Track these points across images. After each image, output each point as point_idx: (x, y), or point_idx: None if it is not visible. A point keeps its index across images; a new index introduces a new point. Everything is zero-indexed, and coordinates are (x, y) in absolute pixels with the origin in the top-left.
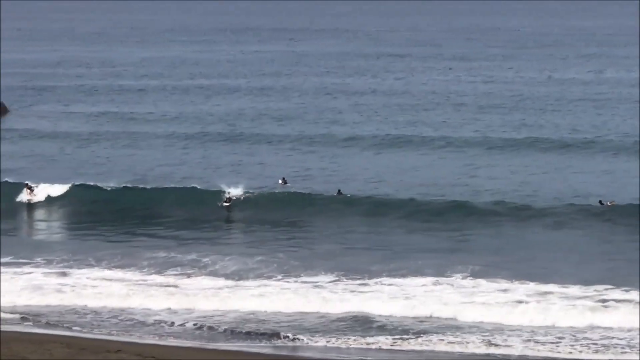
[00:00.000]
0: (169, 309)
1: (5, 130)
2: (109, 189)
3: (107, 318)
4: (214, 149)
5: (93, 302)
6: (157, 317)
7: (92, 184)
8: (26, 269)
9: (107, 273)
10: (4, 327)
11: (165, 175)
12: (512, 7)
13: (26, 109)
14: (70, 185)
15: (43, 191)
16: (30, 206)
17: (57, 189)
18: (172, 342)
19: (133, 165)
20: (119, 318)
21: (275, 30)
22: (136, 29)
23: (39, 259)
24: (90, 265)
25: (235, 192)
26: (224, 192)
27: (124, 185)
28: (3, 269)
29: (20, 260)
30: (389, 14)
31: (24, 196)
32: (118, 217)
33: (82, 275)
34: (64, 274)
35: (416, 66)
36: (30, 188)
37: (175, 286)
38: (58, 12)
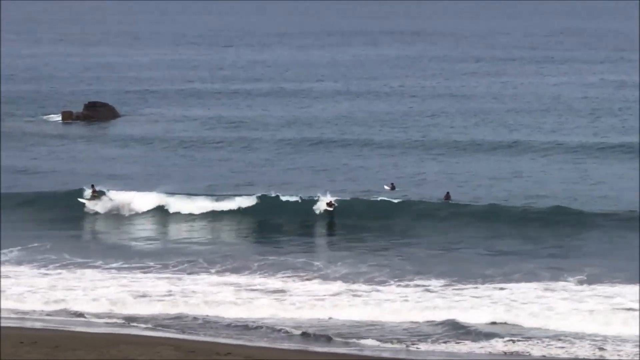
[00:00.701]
0: (279, 312)
1: (116, 135)
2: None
3: (217, 321)
4: (324, 153)
5: (204, 306)
6: (266, 321)
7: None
8: (138, 274)
9: (216, 278)
10: (112, 330)
11: (271, 181)
12: (612, 7)
13: (137, 113)
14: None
15: (142, 200)
16: (117, 216)
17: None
18: (281, 345)
19: (243, 170)
20: (228, 322)
21: (383, 33)
22: (243, 31)
23: (151, 264)
24: (204, 270)
25: (337, 197)
26: (324, 197)
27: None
28: (115, 274)
29: (133, 265)
30: (499, 15)
31: (87, 194)
32: (227, 221)
33: (193, 280)
34: (176, 279)
35: (525, 70)
36: (95, 191)
37: (285, 290)
38: (164, 14)
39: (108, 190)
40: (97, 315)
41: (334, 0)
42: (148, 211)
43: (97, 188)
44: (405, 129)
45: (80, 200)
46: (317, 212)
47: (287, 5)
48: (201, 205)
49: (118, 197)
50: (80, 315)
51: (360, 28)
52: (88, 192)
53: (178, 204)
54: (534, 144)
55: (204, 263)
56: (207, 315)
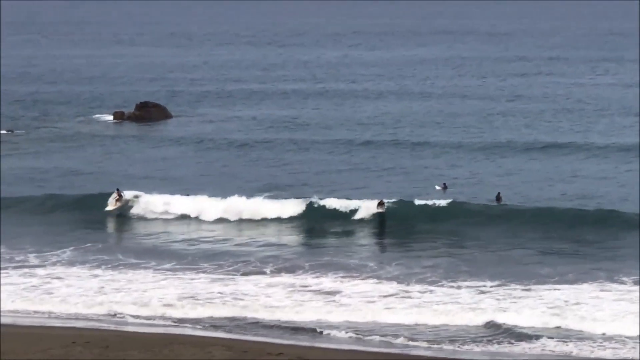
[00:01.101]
0: (331, 313)
1: (166, 135)
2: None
3: (269, 322)
4: (376, 153)
5: (256, 307)
6: (319, 322)
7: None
8: (191, 275)
9: (269, 279)
10: (164, 330)
11: (322, 182)
12: None
13: (189, 113)
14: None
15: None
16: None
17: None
18: (332, 345)
19: (295, 171)
20: (281, 322)
21: (435, 33)
22: (296, 31)
23: (204, 265)
24: (256, 271)
25: (389, 198)
26: (376, 199)
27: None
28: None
29: (186, 266)
30: (548, 15)
31: (111, 200)
32: (278, 223)
33: (246, 281)
34: (229, 280)
35: (578, 70)
36: (120, 194)
37: (338, 291)
38: (217, 14)
39: (136, 196)
40: (150, 317)
41: (387, 1)
42: (185, 215)
43: (123, 192)
44: (456, 130)
45: (107, 204)
46: (369, 213)
47: (340, 5)
48: (252, 207)
49: (151, 199)
50: (132, 316)
51: (412, 28)
52: (113, 197)
53: (225, 206)
54: (588, 145)
55: (257, 263)
56: (260, 316)
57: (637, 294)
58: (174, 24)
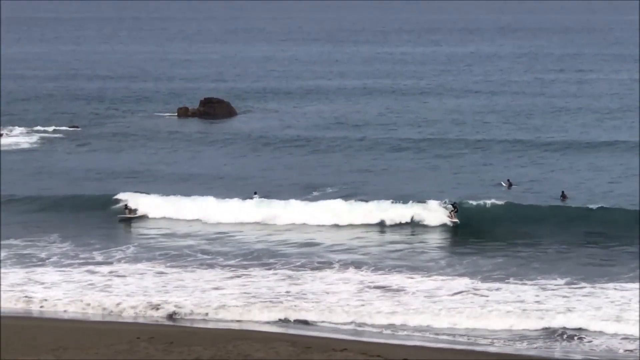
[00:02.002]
0: (398, 310)
1: (229, 132)
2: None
3: (334, 318)
4: (445, 151)
5: (322, 303)
6: (384, 318)
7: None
8: (257, 271)
9: (336, 275)
10: (228, 326)
11: (390, 182)
12: None
13: (253, 110)
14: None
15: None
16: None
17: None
18: (397, 341)
19: (359, 170)
20: (347, 318)
21: (502, 29)
22: (361, 28)
23: (271, 260)
24: (323, 268)
25: (458, 197)
26: (446, 201)
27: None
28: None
29: (256, 263)
30: (610, 10)
31: (124, 216)
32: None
33: (313, 278)
34: (294, 277)
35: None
36: (128, 209)
37: (404, 289)
38: (283, 11)
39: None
40: (215, 313)
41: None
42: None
43: (132, 206)
44: (523, 127)
45: (119, 216)
46: (442, 213)
47: (410, 4)
48: (323, 208)
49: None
50: (200, 313)
51: (480, 25)
52: (124, 211)
53: (288, 208)
54: None
55: (322, 260)
56: (325, 312)
57: None
58: (238, 20)
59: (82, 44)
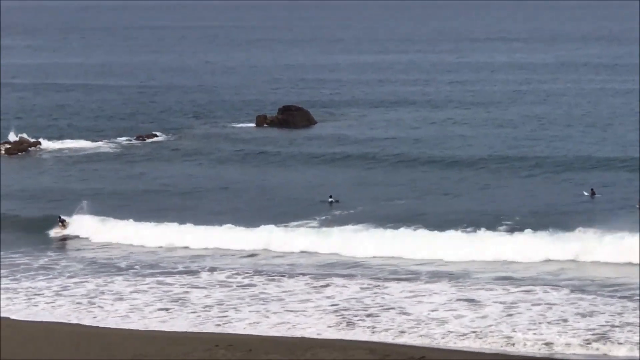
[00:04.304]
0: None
1: (306, 142)
2: None
3: (409, 320)
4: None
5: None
6: (465, 324)
7: None
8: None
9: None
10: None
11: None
12: None
13: (333, 118)
14: None
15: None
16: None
17: None
18: (478, 348)
19: (445, 190)
20: (428, 321)
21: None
22: (442, 34)
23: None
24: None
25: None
26: None
27: None
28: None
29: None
30: None
31: (56, 229)
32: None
33: (388, 288)
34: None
35: None
36: (62, 221)
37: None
38: (365, 18)
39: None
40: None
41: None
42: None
43: (65, 218)
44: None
45: (49, 232)
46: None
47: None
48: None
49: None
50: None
51: (555, 33)
52: (57, 226)
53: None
54: None
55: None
56: (402, 316)
57: None
58: (321, 28)
59: (152, 53)
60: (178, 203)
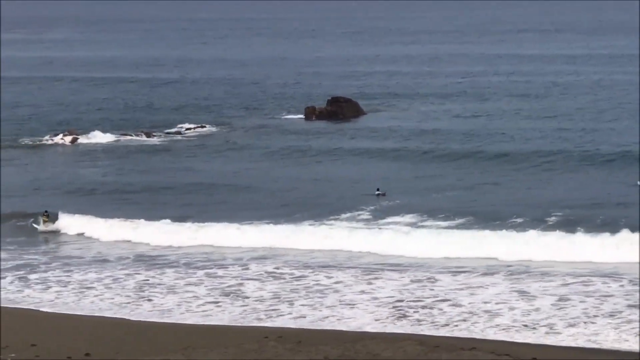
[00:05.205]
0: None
1: (356, 135)
2: None
3: (458, 314)
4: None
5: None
6: (512, 316)
7: None
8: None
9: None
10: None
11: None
12: None
13: (382, 110)
14: None
15: None
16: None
17: None
18: (527, 340)
19: (487, 189)
20: (471, 311)
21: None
22: (491, 26)
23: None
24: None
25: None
26: None
27: None
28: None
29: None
30: None
31: (40, 226)
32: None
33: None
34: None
35: None
36: (47, 216)
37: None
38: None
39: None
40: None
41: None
42: None
43: (50, 212)
44: None
45: (35, 225)
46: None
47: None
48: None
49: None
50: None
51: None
52: (40, 220)
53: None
54: None
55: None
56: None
57: None
58: (372, 20)
59: (201, 46)
60: (229, 199)
